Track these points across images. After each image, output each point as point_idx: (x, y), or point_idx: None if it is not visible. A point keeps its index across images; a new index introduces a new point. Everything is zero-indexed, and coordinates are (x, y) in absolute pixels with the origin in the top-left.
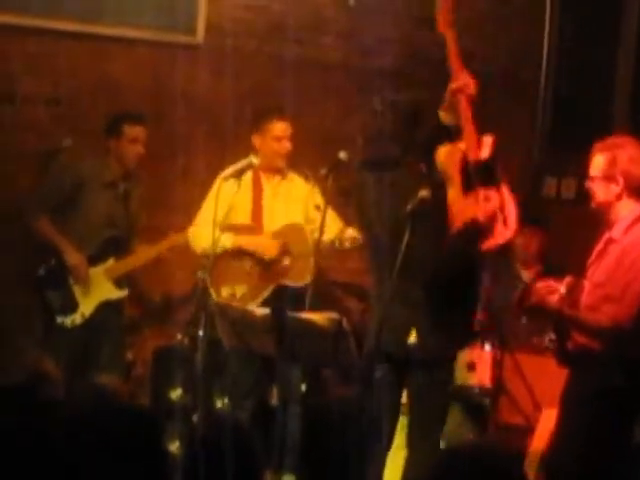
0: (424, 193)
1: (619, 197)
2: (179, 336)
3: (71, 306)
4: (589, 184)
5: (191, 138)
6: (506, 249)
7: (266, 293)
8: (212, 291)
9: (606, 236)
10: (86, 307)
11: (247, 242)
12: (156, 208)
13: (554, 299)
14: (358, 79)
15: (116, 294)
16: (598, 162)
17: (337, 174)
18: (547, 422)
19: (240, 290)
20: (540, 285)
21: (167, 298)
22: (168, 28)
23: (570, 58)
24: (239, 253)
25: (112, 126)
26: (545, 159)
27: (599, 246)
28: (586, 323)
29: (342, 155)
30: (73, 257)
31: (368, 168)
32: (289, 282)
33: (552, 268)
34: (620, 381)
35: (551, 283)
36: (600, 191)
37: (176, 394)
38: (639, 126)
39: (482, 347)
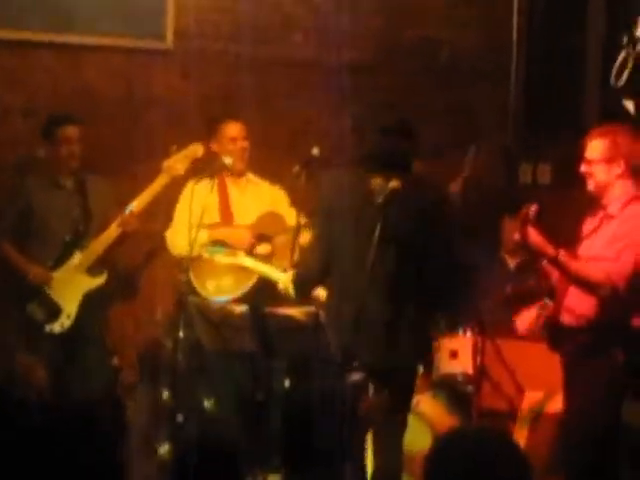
0: (394, 184)
1: (619, 177)
2: (166, 342)
3: (54, 311)
4: (586, 167)
5: (165, 140)
6: None
7: (251, 282)
8: (198, 288)
9: (600, 214)
10: (70, 307)
11: (220, 234)
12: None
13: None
14: (328, 76)
15: (94, 283)
16: (598, 146)
17: (309, 171)
18: (530, 404)
19: (226, 281)
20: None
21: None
22: (138, 35)
23: (541, 43)
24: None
25: (45, 131)
26: (519, 146)
27: (593, 223)
28: (581, 272)
29: (315, 151)
30: (30, 269)
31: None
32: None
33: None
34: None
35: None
36: (601, 173)
37: (163, 396)
38: (609, 111)
39: (464, 334)
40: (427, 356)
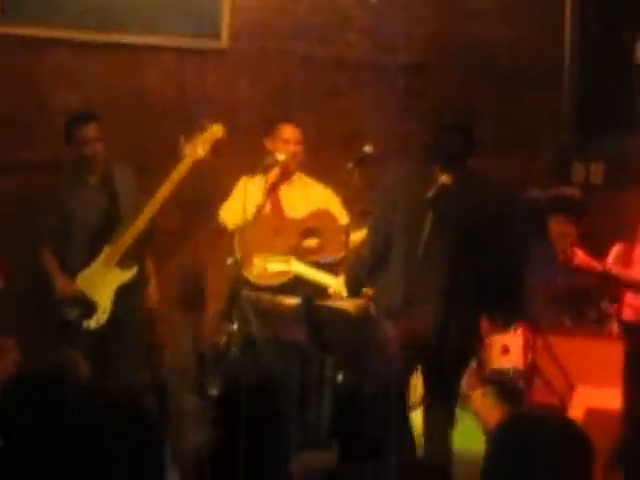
0: (445, 179)
1: None
2: (221, 339)
3: (89, 308)
4: None
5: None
6: None
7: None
8: (244, 272)
9: None
10: (104, 302)
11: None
12: (188, 212)
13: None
14: (383, 76)
15: (125, 276)
16: None
17: (362, 168)
18: (581, 400)
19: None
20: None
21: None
22: (194, 34)
23: (594, 44)
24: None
25: (65, 134)
26: (573, 145)
27: None
28: (634, 278)
29: (367, 149)
30: (59, 280)
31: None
32: (321, 259)
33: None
34: None
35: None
36: None
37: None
38: None
39: (515, 331)
40: (474, 348)
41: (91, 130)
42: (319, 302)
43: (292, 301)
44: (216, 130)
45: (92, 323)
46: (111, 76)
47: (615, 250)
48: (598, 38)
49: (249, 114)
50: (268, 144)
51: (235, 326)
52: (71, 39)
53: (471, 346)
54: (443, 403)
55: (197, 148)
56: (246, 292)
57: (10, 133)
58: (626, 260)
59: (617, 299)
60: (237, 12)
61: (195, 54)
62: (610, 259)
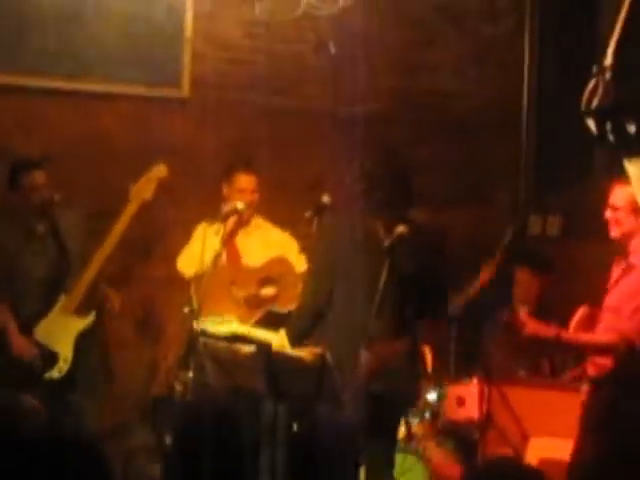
0: (401, 229)
1: None
2: (177, 387)
3: (51, 358)
4: (611, 214)
5: (179, 187)
6: None
7: (254, 320)
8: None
9: (622, 264)
10: (65, 351)
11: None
12: (151, 256)
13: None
14: (342, 126)
15: (83, 323)
16: (623, 194)
17: (321, 217)
18: (535, 450)
19: (229, 319)
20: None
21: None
22: (156, 83)
23: (551, 97)
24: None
25: (11, 179)
26: (530, 197)
27: (616, 274)
28: (592, 342)
29: (325, 199)
30: (16, 340)
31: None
32: (276, 309)
33: (543, 307)
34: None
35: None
36: (627, 222)
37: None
38: (618, 164)
39: (470, 381)
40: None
41: (39, 177)
42: (275, 350)
43: (249, 349)
44: (159, 170)
45: (54, 373)
46: (71, 123)
47: (579, 313)
48: (555, 91)
49: (210, 162)
50: (225, 191)
51: (191, 374)
52: (31, 86)
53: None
54: (386, 447)
55: (142, 189)
56: (203, 339)
57: None
58: (589, 323)
59: (581, 356)
60: (198, 62)
61: (156, 102)
62: (573, 322)
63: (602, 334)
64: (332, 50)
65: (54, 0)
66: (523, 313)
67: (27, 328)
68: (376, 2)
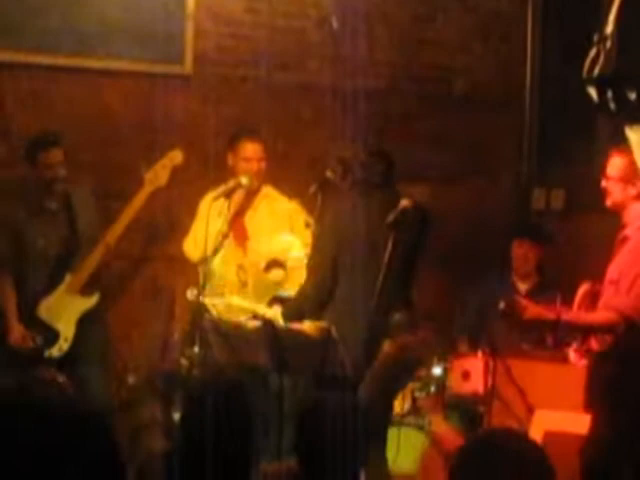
0: (406, 203)
1: (635, 198)
2: (183, 362)
3: (52, 336)
4: (605, 183)
5: (184, 165)
6: None
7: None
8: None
9: (620, 236)
10: (66, 330)
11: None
12: (155, 234)
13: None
14: (343, 101)
15: (88, 303)
16: (617, 163)
17: (325, 192)
18: (540, 423)
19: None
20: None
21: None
22: (159, 59)
23: (554, 72)
24: (233, 270)
25: (27, 155)
26: (534, 172)
27: (615, 247)
28: (592, 321)
29: (329, 174)
30: (14, 328)
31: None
32: (283, 292)
33: (550, 280)
34: None
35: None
36: (617, 191)
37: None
38: (620, 137)
39: (475, 355)
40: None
41: (55, 155)
42: (281, 325)
43: (253, 324)
44: (174, 156)
45: (54, 351)
46: (74, 100)
47: (581, 291)
48: (558, 66)
49: (213, 138)
50: (230, 161)
51: (197, 349)
52: (34, 63)
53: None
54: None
55: (157, 175)
56: (208, 316)
57: None
58: (592, 299)
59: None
60: (201, 38)
61: (158, 79)
62: (577, 299)
63: (602, 313)
64: (334, 25)
65: None
66: (522, 298)
67: (31, 304)
68: None
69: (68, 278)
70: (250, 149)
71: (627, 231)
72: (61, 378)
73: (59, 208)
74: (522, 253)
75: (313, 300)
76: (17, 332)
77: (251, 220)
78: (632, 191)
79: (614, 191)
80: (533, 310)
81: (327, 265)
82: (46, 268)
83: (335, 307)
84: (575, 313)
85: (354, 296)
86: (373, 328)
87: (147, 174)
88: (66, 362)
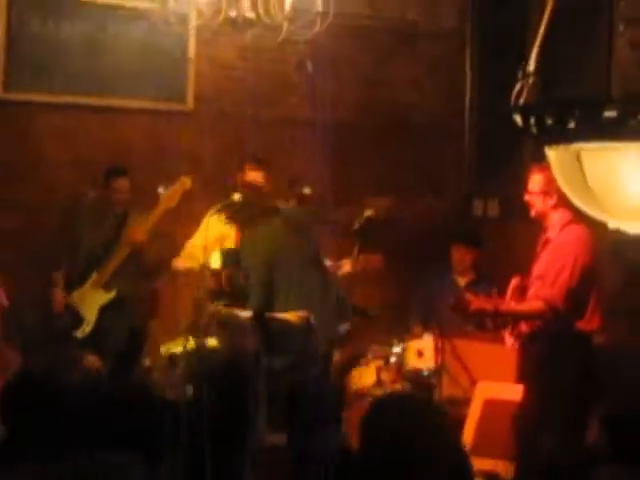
0: (369, 212)
1: (554, 207)
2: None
3: (78, 320)
4: (528, 197)
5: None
6: None
7: None
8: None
9: (543, 238)
10: (89, 317)
11: None
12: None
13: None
14: (317, 132)
15: (107, 297)
16: (536, 179)
17: (303, 205)
18: (481, 392)
19: None
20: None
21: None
22: (165, 98)
23: (489, 105)
24: None
25: (104, 179)
26: (473, 185)
27: (539, 248)
28: (524, 311)
29: (306, 190)
30: (57, 297)
31: None
32: None
33: (485, 275)
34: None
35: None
36: (539, 203)
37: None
38: (542, 155)
39: (427, 338)
40: None
41: (124, 183)
42: (268, 314)
43: (246, 314)
44: (185, 182)
45: (79, 333)
46: (96, 133)
47: (512, 284)
48: (492, 101)
49: (210, 164)
50: (239, 181)
51: (200, 335)
52: (63, 102)
53: None
54: None
55: (170, 198)
56: (209, 306)
57: (11, 180)
58: (522, 290)
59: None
60: (199, 80)
61: (165, 115)
62: (509, 290)
63: (532, 303)
64: (310, 68)
65: (82, 32)
66: (467, 294)
67: (69, 291)
68: (343, 29)
69: (94, 276)
70: (252, 175)
71: (549, 234)
72: (91, 358)
73: (115, 224)
74: (458, 255)
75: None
76: (58, 298)
77: None
78: (550, 202)
79: (536, 203)
80: (476, 303)
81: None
82: (85, 265)
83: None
84: (509, 304)
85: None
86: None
87: (162, 196)
88: (93, 343)
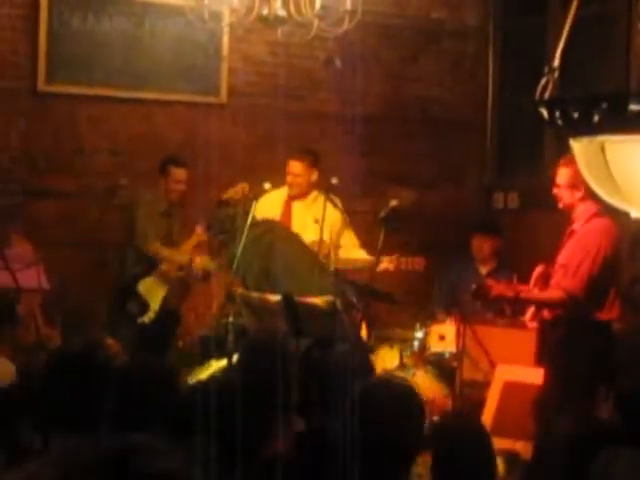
0: (394, 202)
1: (580, 200)
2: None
3: (145, 307)
4: (556, 190)
5: (219, 175)
6: None
7: None
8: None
9: (569, 230)
10: (154, 305)
11: None
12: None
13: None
14: (346, 124)
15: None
16: (563, 173)
17: (329, 194)
18: (501, 375)
19: None
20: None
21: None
22: (199, 92)
23: (511, 100)
24: None
25: (161, 168)
26: (494, 179)
27: (565, 238)
28: (544, 299)
29: (334, 180)
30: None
31: None
32: None
33: (506, 264)
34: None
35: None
36: (566, 196)
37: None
38: (563, 149)
39: (449, 322)
40: None
41: (182, 173)
42: (296, 298)
43: (275, 298)
44: (243, 187)
45: (145, 319)
46: (133, 124)
47: (536, 271)
48: (514, 97)
49: (243, 155)
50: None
51: (231, 319)
52: (102, 95)
53: None
54: None
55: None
56: (239, 291)
57: (52, 169)
58: (545, 278)
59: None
60: (232, 75)
61: (200, 107)
62: (533, 277)
63: (554, 291)
64: (338, 64)
65: (120, 28)
66: (489, 281)
67: (134, 281)
68: (371, 27)
69: (161, 266)
70: (290, 166)
71: (574, 226)
72: (110, 341)
73: (174, 215)
74: (477, 244)
75: None
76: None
77: (297, 212)
78: (578, 194)
79: (564, 196)
80: (497, 289)
81: None
82: (146, 257)
83: None
84: (531, 291)
85: None
86: None
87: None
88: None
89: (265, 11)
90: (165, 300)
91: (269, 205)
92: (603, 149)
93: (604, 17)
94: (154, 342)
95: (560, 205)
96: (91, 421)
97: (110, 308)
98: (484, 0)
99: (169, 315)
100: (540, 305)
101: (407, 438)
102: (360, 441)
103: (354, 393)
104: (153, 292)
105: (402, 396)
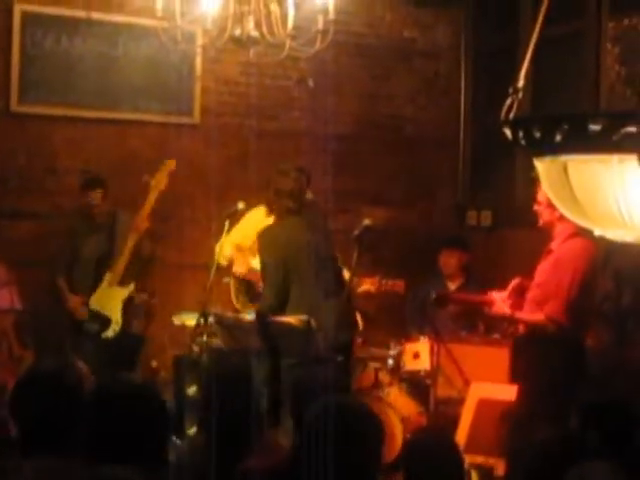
0: (367, 221)
1: (559, 219)
2: (194, 348)
3: (105, 322)
4: (537, 207)
5: (192, 193)
6: None
7: None
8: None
9: (548, 247)
10: (115, 315)
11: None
12: (169, 246)
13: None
14: (318, 143)
15: (126, 292)
16: (544, 192)
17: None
18: (475, 392)
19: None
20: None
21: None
22: (173, 112)
23: (482, 119)
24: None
25: (80, 191)
26: (467, 197)
27: (543, 255)
28: (531, 321)
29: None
30: (71, 301)
31: None
32: None
33: (474, 280)
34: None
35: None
36: (545, 214)
37: (192, 390)
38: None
39: (423, 340)
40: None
41: (98, 194)
42: (270, 317)
43: (250, 317)
44: (169, 164)
45: (109, 333)
46: (107, 144)
47: (512, 283)
48: (485, 115)
49: (216, 174)
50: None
51: (205, 338)
52: (77, 116)
53: None
54: None
55: (159, 182)
56: (214, 311)
57: (23, 190)
58: (520, 293)
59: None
60: (205, 95)
61: (173, 127)
62: (508, 290)
63: (537, 315)
64: (310, 84)
65: (93, 49)
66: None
67: (82, 296)
68: (343, 46)
69: (108, 276)
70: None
71: (552, 245)
72: (80, 363)
73: (103, 228)
74: (444, 259)
75: (276, 305)
76: (73, 302)
77: None
78: (557, 213)
79: (543, 214)
80: (497, 308)
81: (280, 276)
82: (91, 270)
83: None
84: (520, 314)
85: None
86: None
87: (152, 182)
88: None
89: (238, 32)
90: (126, 307)
91: (252, 226)
92: (565, 169)
93: (573, 36)
94: (119, 360)
95: (540, 222)
96: (64, 442)
97: (71, 329)
98: (456, 19)
99: (130, 336)
100: (525, 324)
101: (362, 457)
102: (322, 460)
103: (310, 413)
104: (107, 304)
105: (355, 417)
